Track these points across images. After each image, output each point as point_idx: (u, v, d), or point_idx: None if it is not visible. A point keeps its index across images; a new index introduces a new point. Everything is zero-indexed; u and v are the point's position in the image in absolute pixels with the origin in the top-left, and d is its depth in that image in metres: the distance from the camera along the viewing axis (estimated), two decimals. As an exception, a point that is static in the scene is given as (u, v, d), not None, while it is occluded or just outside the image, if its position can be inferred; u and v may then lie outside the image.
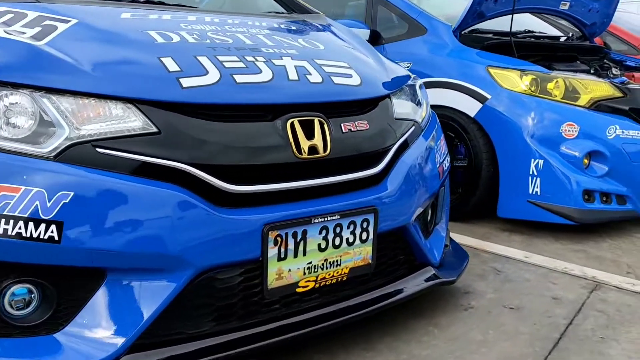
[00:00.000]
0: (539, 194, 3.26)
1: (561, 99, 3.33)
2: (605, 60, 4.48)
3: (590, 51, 4.45)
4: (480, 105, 3.43)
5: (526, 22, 4.64)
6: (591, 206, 3.21)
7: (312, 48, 2.09)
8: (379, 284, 2.02)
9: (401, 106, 2.18)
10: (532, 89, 3.34)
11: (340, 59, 2.08)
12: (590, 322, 2.23)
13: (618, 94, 3.41)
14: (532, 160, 3.26)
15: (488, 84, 3.43)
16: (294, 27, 2.30)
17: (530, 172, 3.27)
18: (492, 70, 3.44)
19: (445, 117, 3.56)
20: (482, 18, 3.75)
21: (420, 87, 2.52)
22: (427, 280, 2.18)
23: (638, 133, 3.31)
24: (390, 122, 2.05)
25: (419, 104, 2.43)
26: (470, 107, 3.47)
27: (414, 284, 2.14)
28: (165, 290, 1.48)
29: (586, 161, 3.25)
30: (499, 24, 4.27)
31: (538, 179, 3.25)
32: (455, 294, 2.45)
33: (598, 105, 3.34)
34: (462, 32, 3.76)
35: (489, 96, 3.41)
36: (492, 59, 3.51)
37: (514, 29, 4.18)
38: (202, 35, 1.87)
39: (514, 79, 3.37)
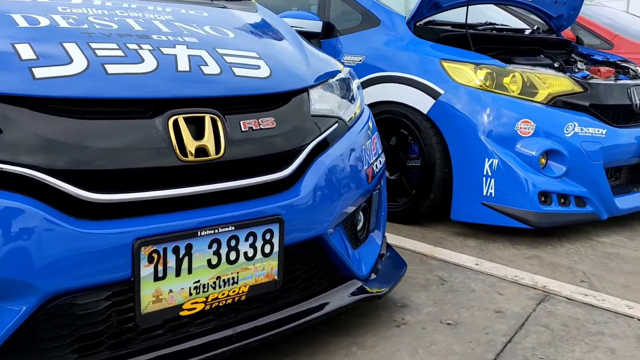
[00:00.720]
0: (493, 195, 3.05)
1: (518, 94, 3.13)
2: (572, 55, 4.29)
3: (557, 45, 4.26)
4: (433, 101, 3.22)
5: (491, 14, 4.45)
6: (548, 209, 3.01)
7: (219, 36, 1.86)
8: (291, 302, 1.80)
9: (322, 102, 1.96)
10: (487, 83, 3.13)
11: (251, 49, 1.85)
12: (531, 339, 2.02)
13: (578, 89, 3.21)
14: (486, 159, 3.05)
15: (441, 79, 3.22)
16: (205, 14, 2.07)
17: (485, 173, 3.06)
18: (445, 64, 3.23)
19: (398, 114, 3.36)
20: (438, 9, 3.54)
21: (355, 81, 2.30)
22: (351, 295, 1.96)
23: (598, 130, 3.11)
24: (305, 120, 1.83)
25: (352, 99, 2.21)
26: (422, 103, 3.26)
27: (336, 299, 1.92)
28: (4, 321, 1.25)
29: (543, 161, 3.05)
30: (462, 15, 4.07)
31: (492, 180, 3.05)
32: (390, 307, 2.24)
33: (556, 101, 3.14)
34: (417, 24, 3.55)
35: (441, 91, 3.20)
36: (446, 52, 3.30)
37: (474, 21, 3.99)
38: (80, 19, 1.64)
39: (468, 73, 3.16)
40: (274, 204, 1.64)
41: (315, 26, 3.74)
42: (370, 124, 2.27)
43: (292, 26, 3.71)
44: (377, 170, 2.15)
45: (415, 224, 3.37)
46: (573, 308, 2.28)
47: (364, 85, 3.51)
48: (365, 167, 2.04)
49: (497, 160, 3.03)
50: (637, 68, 4.00)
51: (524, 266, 2.74)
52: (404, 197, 3.41)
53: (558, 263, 2.79)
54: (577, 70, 3.86)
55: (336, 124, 1.97)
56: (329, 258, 1.88)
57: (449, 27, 3.66)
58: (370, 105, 3.49)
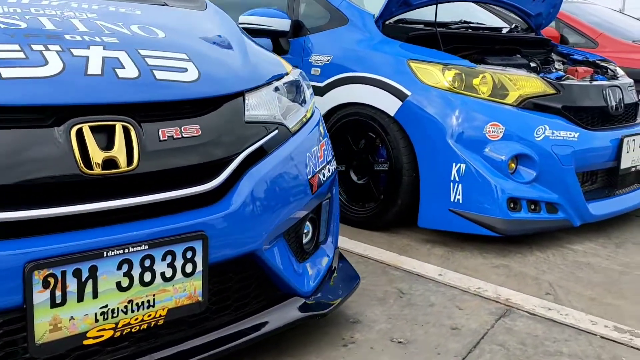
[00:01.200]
0: (460, 202, 2.93)
1: (488, 96, 3.00)
2: (551, 54, 4.17)
3: (535, 44, 4.14)
4: (400, 103, 3.09)
5: (469, 13, 4.32)
6: (517, 215, 2.88)
7: (146, 36, 1.72)
8: (222, 324, 1.67)
9: (261, 107, 1.83)
10: (456, 85, 3.01)
11: (181, 50, 1.72)
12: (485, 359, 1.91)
13: (550, 90, 3.08)
14: (454, 164, 2.92)
15: (408, 80, 3.09)
16: (138, 11, 1.93)
17: (452, 178, 2.93)
18: (412, 65, 3.10)
19: (366, 116, 3.23)
20: (408, 7, 3.41)
21: (306, 83, 2.17)
22: (293, 313, 1.83)
23: (570, 134, 2.99)
24: (238, 127, 1.70)
25: (302, 102, 2.08)
26: (390, 105, 3.13)
27: (275, 318, 1.79)
28: None
29: (513, 165, 2.92)
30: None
31: (460, 186, 2.92)
32: (340, 324, 2.11)
33: (527, 103, 3.01)
34: (387, 22, 3.42)
35: (408, 93, 3.07)
36: (414, 52, 3.17)
37: (449, 19, 3.86)
38: (-17, 18, 1.51)
39: (436, 74, 3.03)
40: (196, 219, 1.51)
41: (283, 24, 3.60)
42: (321, 129, 2.15)
43: (258, 25, 3.61)
44: (324, 179, 2.02)
45: (384, 230, 3.25)
46: (534, 324, 2.16)
47: (332, 85, 3.38)
48: (309, 176, 1.91)
49: (464, 165, 2.90)
50: (616, 68, 3.88)
51: (489, 276, 2.62)
52: (372, 203, 3.28)
53: (526, 273, 2.67)
54: (553, 71, 3.74)
55: (276, 131, 1.84)
56: (266, 275, 1.76)
57: (420, 26, 3.53)
58: (338, 107, 3.38)
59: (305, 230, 2.05)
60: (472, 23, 3.92)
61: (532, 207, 2.93)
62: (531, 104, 3.02)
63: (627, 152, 3.18)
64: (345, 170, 3.42)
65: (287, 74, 2.08)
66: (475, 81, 3.02)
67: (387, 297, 2.38)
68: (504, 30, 4.11)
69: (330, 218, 2.18)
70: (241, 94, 1.76)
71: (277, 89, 1.95)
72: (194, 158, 1.55)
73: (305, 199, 1.89)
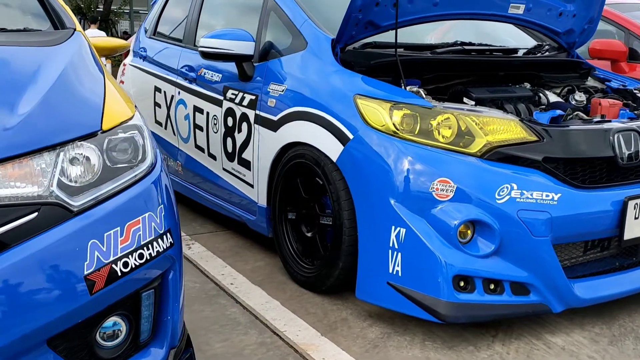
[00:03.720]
0: (400, 274, 2.36)
1: (447, 142, 2.41)
2: (589, 78, 3.46)
3: (563, 67, 3.44)
4: (342, 147, 2.57)
5: (496, 34, 3.67)
6: (467, 298, 2.27)
7: None
8: None
9: (20, 181, 1.43)
10: (405, 127, 2.44)
11: None
12: None
13: (531, 137, 2.43)
14: (393, 227, 2.37)
15: (352, 120, 2.56)
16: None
17: (391, 244, 2.38)
18: (359, 101, 2.56)
19: (311, 159, 2.74)
20: (375, 28, 2.86)
21: (136, 137, 1.74)
22: None
23: (548, 195, 2.32)
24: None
25: (132, 161, 1.67)
26: (332, 148, 2.62)
27: None
28: None
29: (468, 233, 2.32)
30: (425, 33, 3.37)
31: (399, 255, 2.36)
32: None
33: (496, 153, 2.39)
34: (350, 47, 2.90)
35: (351, 136, 2.54)
36: (365, 86, 2.63)
37: (444, 40, 3.27)
38: None
39: (382, 114, 2.48)
40: None
41: (246, 48, 3.17)
42: (157, 194, 1.71)
43: (218, 49, 3.21)
44: (128, 269, 1.58)
45: (330, 294, 2.75)
46: None
47: (284, 120, 2.92)
48: (88, 271, 1.47)
49: (404, 230, 2.34)
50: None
51: (408, 381, 2.06)
52: (317, 261, 2.78)
53: (459, 380, 2.08)
54: (574, 102, 3.06)
55: (33, 214, 1.42)
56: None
57: (391, 51, 2.96)
58: (290, 145, 2.90)
59: (112, 331, 1.63)
60: (475, 44, 3.29)
61: (491, 287, 2.31)
62: (501, 155, 2.39)
63: (637, 217, 2.45)
64: (296, 219, 2.95)
65: (97, 131, 1.65)
66: (433, 124, 2.43)
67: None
68: (521, 52, 3.43)
69: (162, 310, 1.74)
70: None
71: (60, 154, 1.53)
72: None
73: (75, 302, 1.46)
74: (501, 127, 2.44)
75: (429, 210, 2.32)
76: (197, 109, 3.79)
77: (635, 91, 3.21)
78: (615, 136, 2.51)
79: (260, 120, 3.11)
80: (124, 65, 5.23)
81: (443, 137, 2.42)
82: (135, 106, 1.95)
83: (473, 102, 2.79)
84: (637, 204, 2.44)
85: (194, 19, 4.20)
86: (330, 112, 2.66)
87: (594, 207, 2.39)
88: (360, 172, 2.49)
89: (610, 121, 2.65)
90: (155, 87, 4.42)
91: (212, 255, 3.29)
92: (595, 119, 2.69)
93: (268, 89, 3.08)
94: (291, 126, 2.87)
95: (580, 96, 3.10)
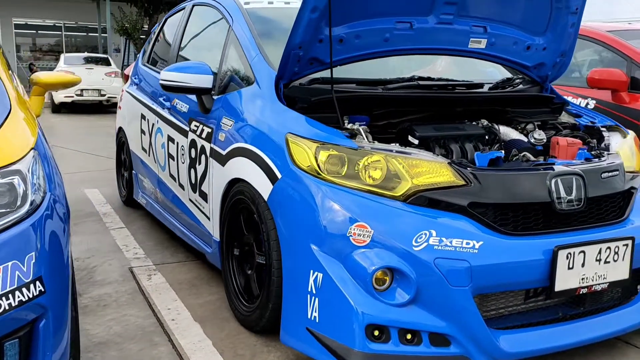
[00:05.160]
0: (317, 320, 2.31)
1: (376, 185, 2.35)
2: (555, 116, 3.34)
3: (531, 102, 3.34)
4: (272, 186, 2.54)
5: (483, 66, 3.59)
6: (381, 348, 2.20)
7: None
8: None
9: None
10: (331, 169, 2.39)
11: None
12: None
13: (459, 181, 2.35)
14: (312, 271, 2.32)
15: (282, 159, 2.53)
16: None
17: (309, 289, 2.33)
18: (290, 140, 2.53)
19: (248, 196, 2.72)
20: (322, 65, 2.82)
21: (33, 175, 1.76)
22: None
23: (468, 243, 2.23)
24: None
25: (11, 206, 1.69)
26: (264, 187, 2.59)
27: None
28: None
29: (386, 279, 2.25)
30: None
31: (317, 300, 2.31)
32: None
33: (419, 198, 2.31)
34: (296, 84, 2.87)
35: (279, 175, 2.52)
36: (297, 124, 2.59)
37: (411, 74, 3.22)
38: None
39: (308, 155, 2.44)
40: None
41: (204, 81, 3.19)
42: (26, 241, 1.72)
43: (177, 82, 3.24)
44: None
45: (267, 335, 2.70)
46: None
47: (230, 155, 2.91)
48: None
49: (321, 275, 2.29)
50: (625, 139, 2.98)
51: None
52: (255, 300, 2.75)
53: None
54: (534, 140, 2.96)
55: None
56: None
57: (341, 87, 2.92)
58: (232, 182, 2.90)
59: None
60: (433, 79, 3.22)
61: (408, 337, 2.23)
62: (425, 199, 2.31)
63: (571, 267, 2.33)
64: (240, 256, 2.93)
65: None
66: (359, 165, 2.38)
67: None
68: (486, 87, 3.34)
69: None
70: None
71: None
72: None
73: None
74: (429, 170, 2.37)
75: (346, 255, 2.26)
76: (170, 139, 3.83)
77: (602, 129, 3.07)
78: (554, 181, 2.41)
79: (213, 154, 3.11)
80: (122, 91, 5.35)
81: (372, 178, 2.36)
82: (39, 144, 1.97)
83: (417, 141, 2.73)
84: (570, 253, 2.32)
85: (176, 47, 4.26)
86: (264, 150, 2.64)
87: (520, 256, 2.28)
88: (284, 213, 2.46)
89: (553, 164, 2.54)
90: (141, 114, 4.50)
91: (167, 288, 3.29)
92: (538, 162, 2.58)
93: (221, 123, 3.09)
94: (235, 162, 2.87)
95: (539, 134, 2.98)
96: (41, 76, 2.86)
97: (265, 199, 2.56)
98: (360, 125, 2.70)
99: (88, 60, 15.98)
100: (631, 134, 3.09)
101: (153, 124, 4.19)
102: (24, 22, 25.76)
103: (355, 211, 2.28)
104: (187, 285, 3.35)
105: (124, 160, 5.18)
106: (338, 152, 2.40)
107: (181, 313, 2.96)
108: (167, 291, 3.24)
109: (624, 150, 2.86)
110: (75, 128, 11.51)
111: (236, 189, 2.84)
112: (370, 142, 2.52)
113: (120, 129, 5.18)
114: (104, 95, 14.62)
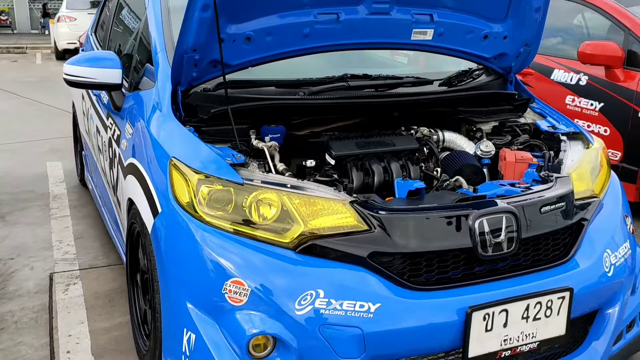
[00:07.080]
0: (191, 386, 1.99)
1: (263, 228, 1.97)
2: (523, 113, 2.91)
3: (493, 98, 2.90)
4: (153, 220, 2.19)
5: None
6: None
7: None
8: None
9: None
10: (214, 207, 2.01)
11: None
12: None
13: (362, 226, 1.96)
14: (185, 330, 1.98)
15: (164, 188, 2.16)
16: None
17: (183, 349, 2.00)
18: (173, 167, 2.15)
19: (139, 221, 2.37)
20: (228, 68, 2.40)
21: None
22: None
23: (360, 306, 1.85)
24: None
25: None
26: (148, 218, 2.24)
27: None
28: None
29: (269, 345, 1.90)
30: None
31: (190, 363, 1.98)
32: None
33: (312, 246, 1.93)
34: (202, 89, 2.45)
35: (160, 209, 2.15)
36: (185, 146, 2.20)
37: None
38: None
39: (188, 188, 2.06)
40: None
41: (111, 76, 2.80)
42: None
43: (81, 77, 2.85)
44: None
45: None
46: None
47: (127, 170, 2.55)
48: None
49: (194, 336, 1.95)
50: (587, 148, 2.56)
51: None
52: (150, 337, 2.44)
53: None
54: (481, 151, 2.56)
55: None
56: None
57: (256, 91, 2.51)
58: (130, 201, 2.54)
59: None
60: (370, 77, 2.76)
61: (292, 413, 1.91)
62: (318, 248, 1.93)
63: (489, 329, 1.95)
64: (142, 283, 2.61)
65: None
66: (247, 202, 2.00)
67: None
68: (436, 84, 2.88)
69: None
70: None
71: None
72: None
73: None
74: (328, 210, 1.98)
75: (222, 315, 1.92)
76: (97, 130, 3.48)
77: (562, 137, 2.63)
78: (478, 222, 2.00)
79: (120, 162, 2.76)
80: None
81: (263, 218, 1.99)
82: None
83: (333, 161, 2.34)
84: (488, 314, 1.94)
85: (110, 22, 3.86)
86: (150, 174, 2.27)
87: (427, 319, 1.90)
88: (161, 257, 2.10)
89: (484, 197, 2.13)
90: (82, 94, 4.14)
91: (80, 305, 3.00)
92: (466, 194, 2.16)
93: (125, 128, 2.72)
94: (129, 179, 2.51)
95: (486, 145, 2.57)
96: None
97: (150, 233, 2.21)
98: (270, 141, 2.33)
99: (94, 5, 15.27)
100: (597, 143, 2.65)
101: (88, 109, 3.83)
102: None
103: (232, 264, 1.91)
104: (103, 300, 3.06)
105: (79, 136, 4.85)
106: (223, 186, 2.01)
107: (81, 342, 2.67)
108: (77, 309, 2.96)
109: (582, 168, 2.41)
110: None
111: (133, 211, 2.50)
112: (265, 171, 2.14)
113: (73, 103, 4.83)
114: (109, 41, 14.10)
